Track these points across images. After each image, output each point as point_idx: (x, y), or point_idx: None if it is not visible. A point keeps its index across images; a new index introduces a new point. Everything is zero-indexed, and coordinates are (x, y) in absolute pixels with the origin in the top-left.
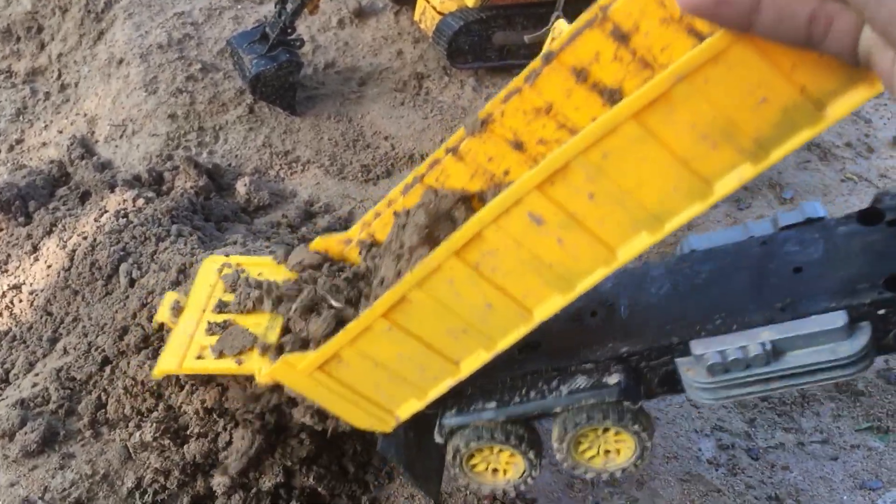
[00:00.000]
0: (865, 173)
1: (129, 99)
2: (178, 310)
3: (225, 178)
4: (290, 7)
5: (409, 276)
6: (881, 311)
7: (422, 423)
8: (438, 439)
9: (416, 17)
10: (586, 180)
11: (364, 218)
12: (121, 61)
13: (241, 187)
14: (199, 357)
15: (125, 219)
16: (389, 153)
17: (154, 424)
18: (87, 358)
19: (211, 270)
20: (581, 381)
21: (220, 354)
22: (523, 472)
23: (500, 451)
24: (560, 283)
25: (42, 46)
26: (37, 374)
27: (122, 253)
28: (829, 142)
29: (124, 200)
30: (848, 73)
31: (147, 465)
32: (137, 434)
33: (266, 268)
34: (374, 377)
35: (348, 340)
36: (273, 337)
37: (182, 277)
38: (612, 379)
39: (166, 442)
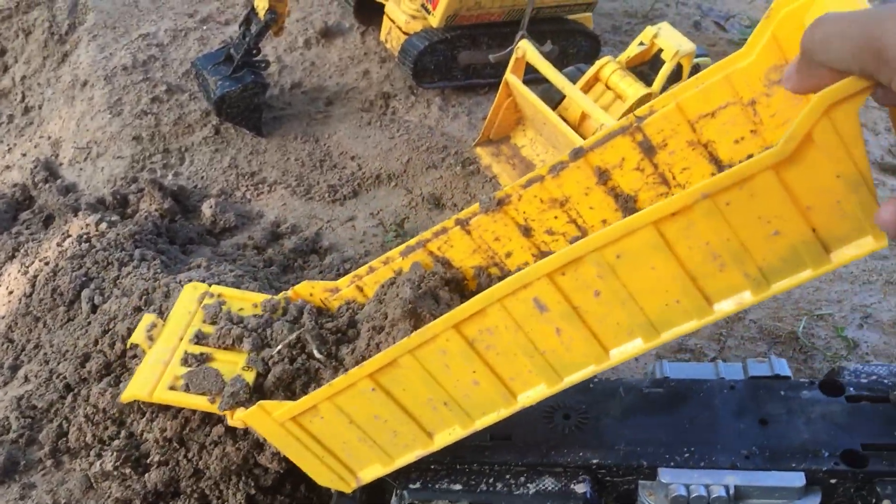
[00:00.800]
0: None
1: (94, 121)
2: (153, 333)
3: (190, 200)
4: (254, 28)
5: (404, 342)
6: (833, 481)
7: (377, 489)
8: None
9: (382, 37)
10: (596, 276)
11: (357, 271)
12: (85, 83)
13: (206, 209)
14: (172, 388)
15: (87, 243)
16: (356, 173)
17: (115, 453)
18: (49, 385)
19: (192, 297)
20: (549, 482)
21: (187, 389)
22: None
23: None
24: (549, 373)
25: (5, 69)
26: None
27: (84, 279)
28: None
29: (87, 225)
30: (859, 223)
31: (108, 495)
32: (98, 463)
33: (247, 304)
34: (345, 435)
35: (329, 395)
36: (250, 377)
37: (144, 303)
38: (580, 488)
39: (127, 471)
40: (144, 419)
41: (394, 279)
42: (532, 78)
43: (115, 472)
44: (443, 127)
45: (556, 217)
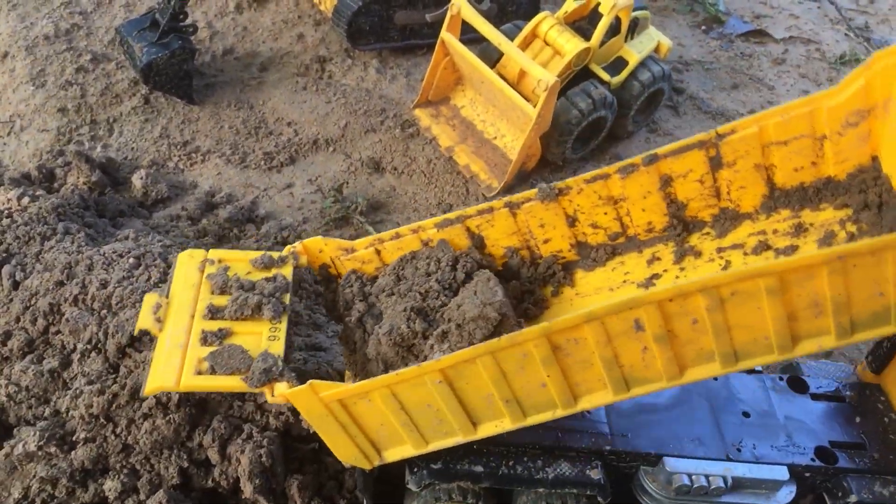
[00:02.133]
0: None
1: (16, 94)
2: (160, 314)
3: (120, 172)
4: None
5: (492, 342)
6: (807, 475)
7: (392, 470)
8: (413, 487)
9: None
10: (704, 308)
11: (380, 234)
12: (5, 55)
13: (137, 181)
14: (199, 373)
15: (9, 219)
16: (293, 139)
17: (39, 433)
18: None
19: (191, 268)
20: (566, 468)
21: (213, 371)
22: None
23: None
24: (619, 384)
25: None
26: None
27: (4, 255)
28: (734, 110)
29: (8, 200)
30: None
31: (34, 475)
32: (21, 445)
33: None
34: (388, 419)
35: (390, 382)
36: (277, 348)
37: (67, 277)
38: (595, 474)
39: (52, 449)
40: (69, 396)
41: (414, 254)
42: (472, 37)
43: (40, 452)
44: (381, 90)
45: (605, 213)
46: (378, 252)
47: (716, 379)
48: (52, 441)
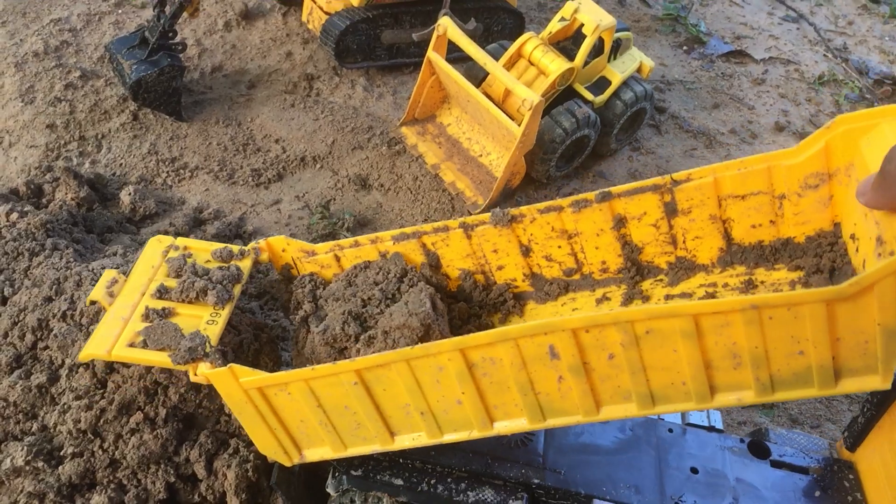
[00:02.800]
0: None
1: (5, 110)
2: (114, 289)
3: (109, 188)
4: (168, 10)
5: (406, 350)
6: None
7: (316, 467)
8: (331, 491)
9: (304, 18)
10: (619, 343)
11: (340, 241)
12: None
13: (125, 197)
14: (131, 345)
15: None
16: (280, 156)
17: (26, 448)
18: None
19: (156, 251)
20: (489, 494)
21: (144, 345)
22: None
23: None
24: (535, 412)
25: None
26: None
27: None
28: (714, 129)
29: None
30: (874, 363)
31: (21, 490)
32: (9, 460)
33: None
34: (306, 416)
35: (307, 377)
36: (213, 332)
37: (55, 293)
38: None
39: (40, 464)
40: (57, 411)
41: (368, 263)
42: (457, 56)
43: (28, 467)
44: (368, 107)
45: (559, 246)
46: (337, 258)
47: (671, 431)
48: (39, 456)
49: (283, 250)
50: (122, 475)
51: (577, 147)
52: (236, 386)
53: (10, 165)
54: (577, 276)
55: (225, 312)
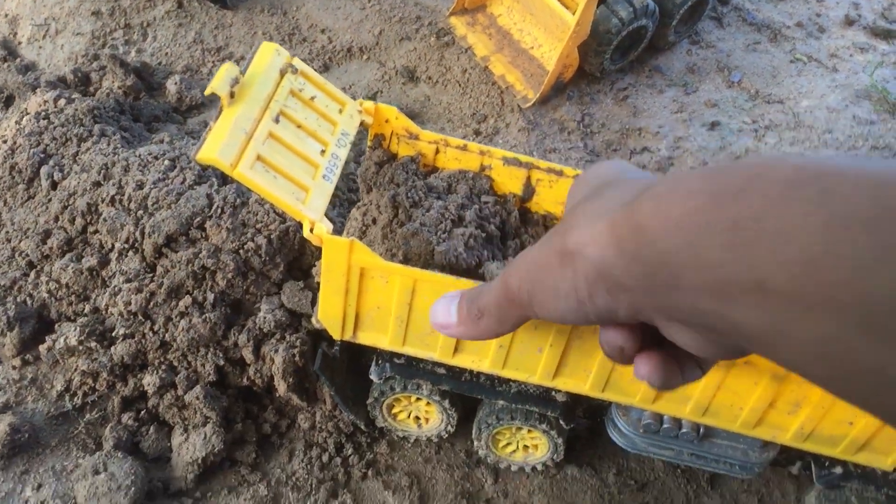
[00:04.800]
0: (815, 53)
1: None
2: (235, 90)
3: (155, 77)
4: None
5: None
6: None
7: (357, 351)
8: (374, 378)
9: None
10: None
11: (448, 138)
12: None
13: (171, 86)
14: (253, 169)
15: (45, 120)
16: (327, 46)
17: (79, 328)
18: (11, 263)
19: (273, 63)
20: (531, 385)
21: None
22: (441, 423)
23: (419, 400)
24: (600, 384)
25: None
26: None
27: (42, 155)
28: (780, 22)
29: (45, 101)
30: None
31: (75, 368)
32: (62, 340)
33: (330, 100)
34: (387, 305)
35: (419, 278)
36: (328, 190)
37: (103, 178)
38: (560, 396)
39: (93, 344)
40: (108, 294)
41: (475, 176)
42: None
43: (81, 347)
44: None
45: None
46: (437, 152)
47: None
48: (92, 336)
49: (387, 121)
50: (173, 357)
51: (634, 39)
52: (345, 258)
53: (58, 53)
54: None
55: (338, 171)
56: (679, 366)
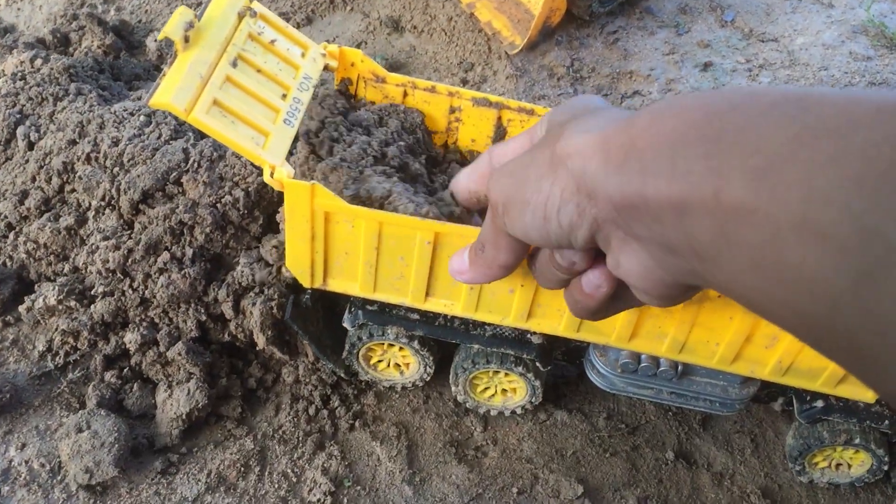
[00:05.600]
0: None
1: None
2: (190, 34)
3: (135, 36)
4: None
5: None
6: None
7: (331, 301)
8: (347, 326)
9: None
10: None
11: (417, 80)
12: None
13: (152, 44)
14: (209, 114)
15: (22, 81)
16: None
17: (58, 288)
18: None
19: (231, 6)
20: (507, 328)
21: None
22: (419, 370)
23: (392, 346)
24: (574, 324)
25: None
26: None
27: (18, 115)
28: None
29: (21, 62)
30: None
31: (55, 328)
32: (41, 300)
33: (290, 42)
34: (355, 250)
35: (385, 220)
36: (290, 134)
37: (79, 135)
38: (536, 339)
39: (72, 303)
40: (85, 252)
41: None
42: None
43: (61, 306)
44: None
45: None
46: (405, 95)
47: None
48: (71, 295)
49: (353, 64)
50: (154, 314)
51: None
52: (308, 203)
53: (36, 14)
54: None
55: (300, 115)
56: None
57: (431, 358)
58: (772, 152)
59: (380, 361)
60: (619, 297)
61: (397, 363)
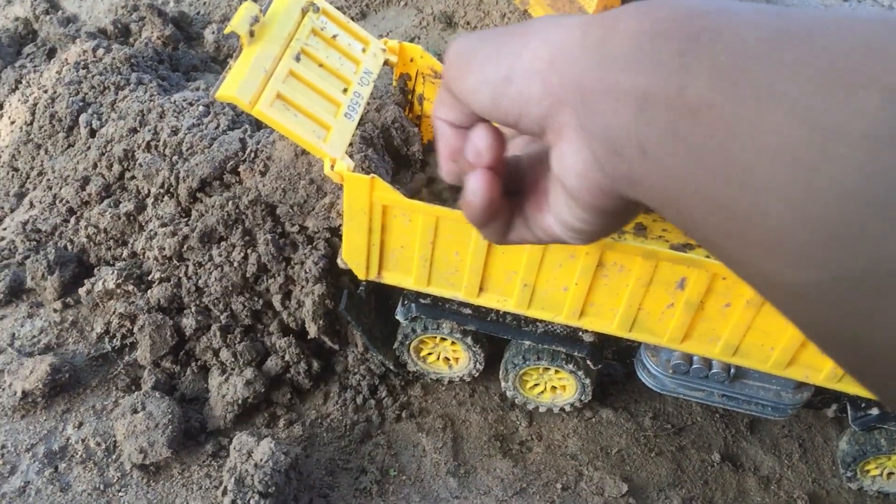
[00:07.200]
0: None
1: None
2: (255, 28)
3: (193, 27)
4: None
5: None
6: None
7: (385, 294)
8: (400, 318)
9: None
10: (745, 299)
11: None
12: None
13: (209, 35)
14: (273, 107)
15: (85, 69)
16: None
17: (117, 272)
18: (52, 210)
19: (295, 4)
20: (558, 325)
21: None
22: (468, 365)
23: (444, 340)
24: (627, 323)
25: None
26: (4, 229)
27: (81, 103)
28: None
29: (84, 52)
30: None
31: (113, 311)
32: (100, 283)
33: (353, 38)
34: (410, 244)
35: (441, 215)
36: (351, 128)
37: (139, 124)
38: (588, 336)
39: (130, 287)
40: (144, 238)
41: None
42: None
43: (119, 290)
44: None
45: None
46: None
47: None
48: (129, 280)
49: (412, 60)
50: (209, 301)
51: None
52: (367, 196)
53: (98, 5)
54: None
55: (361, 109)
56: (514, 217)
57: (483, 354)
58: (741, 51)
59: (430, 354)
60: (519, 222)
61: (447, 357)
